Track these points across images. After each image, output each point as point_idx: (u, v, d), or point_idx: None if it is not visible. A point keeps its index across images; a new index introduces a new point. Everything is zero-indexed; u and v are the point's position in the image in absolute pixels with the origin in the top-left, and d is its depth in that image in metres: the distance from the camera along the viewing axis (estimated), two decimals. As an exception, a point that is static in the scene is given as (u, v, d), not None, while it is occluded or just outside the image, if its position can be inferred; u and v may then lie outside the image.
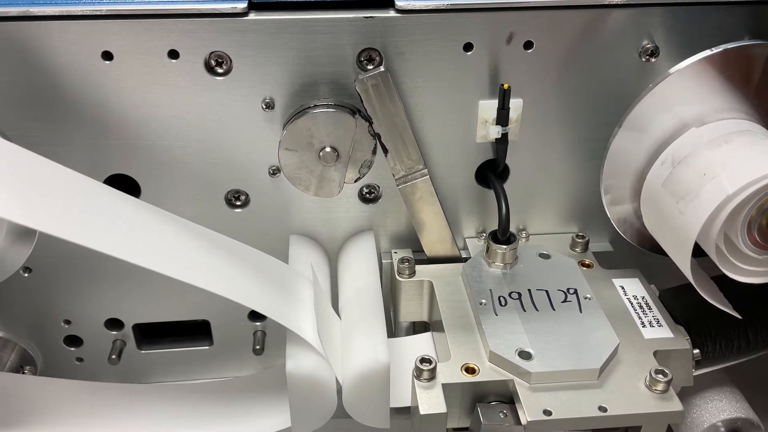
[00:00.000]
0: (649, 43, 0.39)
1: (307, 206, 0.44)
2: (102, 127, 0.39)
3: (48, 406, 0.42)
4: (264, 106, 0.39)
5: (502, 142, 0.41)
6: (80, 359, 0.49)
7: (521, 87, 0.40)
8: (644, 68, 0.40)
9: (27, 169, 0.32)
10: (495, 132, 0.41)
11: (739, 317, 0.38)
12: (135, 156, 0.41)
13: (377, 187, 0.44)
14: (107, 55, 0.37)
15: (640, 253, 0.44)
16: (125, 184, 0.41)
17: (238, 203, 0.43)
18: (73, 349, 0.48)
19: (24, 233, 0.39)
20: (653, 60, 0.40)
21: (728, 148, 0.35)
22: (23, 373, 0.46)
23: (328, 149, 0.40)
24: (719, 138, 0.36)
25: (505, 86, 0.39)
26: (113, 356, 0.47)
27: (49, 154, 0.33)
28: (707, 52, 0.38)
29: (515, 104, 0.40)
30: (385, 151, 0.40)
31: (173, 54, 0.38)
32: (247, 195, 0.43)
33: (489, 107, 0.40)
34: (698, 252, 0.36)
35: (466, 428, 0.36)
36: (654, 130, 0.39)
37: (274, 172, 0.42)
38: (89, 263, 0.44)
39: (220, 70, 0.38)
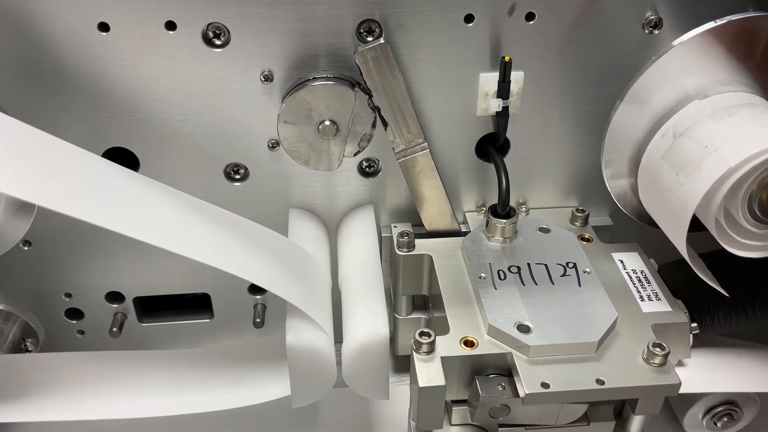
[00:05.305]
0: (652, 15, 0.39)
1: (306, 180, 0.44)
2: (100, 99, 0.39)
3: (48, 379, 0.42)
4: (263, 79, 0.39)
5: (502, 116, 0.40)
6: (81, 332, 0.49)
7: (523, 59, 0.40)
8: (647, 40, 0.39)
9: (24, 143, 0.32)
10: (496, 105, 0.40)
11: (727, 294, 0.38)
12: (133, 129, 0.41)
13: (377, 161, 0.44)
14: (104, 27, 0.37)
15: (639, 227, 0.44)
16: (124, 157, 0.41)
17: (238, 177, 0.43)
18: (74, 322, 0.48)
19: (23, 207, 0.39)
20: (656, 32, 0.39)
21: (731, 120, 0.35)
22: (25, 345, 0.47)
23: (327, 122, 0.39)
24: (722, 110, 0.36)
25: (507, 58, 0.38)
26: (114, 329, 0.48)
27: (46, 127, 0.33)
28: (711, 24, 0.37)
29: (516, 77, 0.40)
30: (385, 124, 0.40)
31: (170, 25, 0.37)
32: (246, 168, 0.43)
33: (490, 80, 0.40)
34: (690, 227, 0.36)
35: (465, 400, 0.37)
36: (656, 102, 0.39)
37: (273, 145, 0.42)
38: (89, 236, 0.44)
39: (218, 42, 0.38)
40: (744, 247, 0.36)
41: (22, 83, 0.38)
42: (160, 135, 0.41)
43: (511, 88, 0.40)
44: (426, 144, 0.41)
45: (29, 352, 0.47)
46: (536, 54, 0.40)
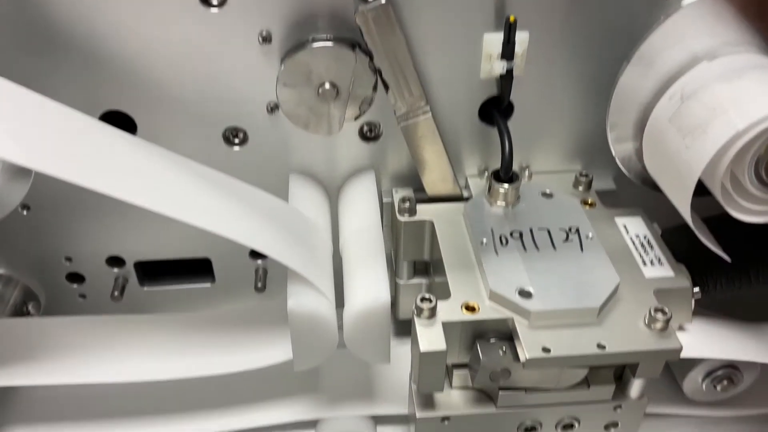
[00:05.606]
0: (662, -27, 0.38)
1: (306, 144, 0.43)
2: (94, 60, 0.38)
3: (50, 343, 0.43)
4: (261, 40, 0.38)
5: (507, 78, 0.40)
6: (83, 296, 0.49)
7: (528, 19, 0.38)
8: (656, 0, 0.38)
9: (20, 106, 0.32)
10: (500, 67, 0.39)
11: (729, 260, 0.37)
12: (130, 91, 0.40)
13: (378, 125, 0.43)
14: (97, -15, 0.36)
15: (643, 191, 0.44)
16: (121, 120, 0.41)
17: (237, 141, 0.43)
18: (75, 286, 0.49)
19: (20, 171, 0.38)
20: (666, -9, 0.38)
21: (740, 83, 0.34)
22: (26, 309, 0.47)
23: (327, 85, 0.39)
24: (731, 73, 0.35)
25: (512, 18, 0.37)
26: (116, 293, 0.48)
27: (41, 89, 0.32)
28: (723, -16, 0.36)
29: (521, 38, 0.39)
30: (386, 87, 0.39)
31: (165, -16, 0.36)
32: (245, 132, 0.42)
33: (494, 41, 0.39)
34: (694, 192, 0.36)
35: (466, 364, 0.37)
36: (663, 64, 0.38)
37: (272, 108, 0.41)
38: (88, 201, 0.44)
39: (214, 2, 0.37)
40: (749, 212, 0.36)
41: (16, 45, 0.38)
42: (156, 97, 0.40)
43: (516, 49, 0.39)
44: (428, 107, 0.40)
45: (31, 316, 0.47)
46: (542, 14, 0.39)
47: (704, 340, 0.40)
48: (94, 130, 0.34)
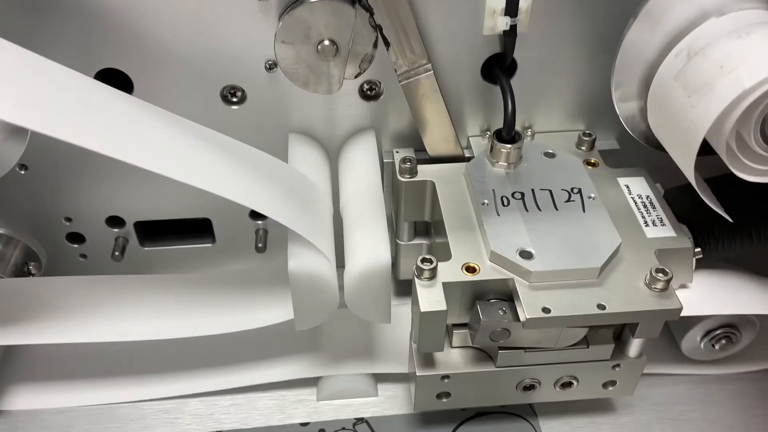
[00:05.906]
0: (672, -75, 0.36)
1: (305, 103, 0.43)
2: (89, 17, 0.38)
3: (51, 302, 0.43)
4: (258, -5, 0.37)
5: (510, 35, 0.39)
6: (84, 256, 0.49)
7: (532, -26, 0.38)
8: (665, -47, 0.37)
9: (13, 64, 0.31)
10: (503, 23, 0.38)
11: (731, 220, 0.37)
12: (125, 49, 0.39)
13: (378, 84, 0.42)
14: (88, -62, 0.35)
15: (646, 151, 0.43)
16: (117, 79, 0.40)
17: (235, 99, 0.42)
18: (75, 246, 0.49)
19: (16, 130, 0.38)
20: (675, -57, 0.37)
21: (749, 40, 0.33)
22: (27, 269, 0.47)
23: (326, 42, 0.38)
24: (740, 29, 0.34)
25: (515, -27, 0.36)
26: (116, 253, 0.48)
27: (35, 47, 0.32)
28: (734, -65, 0.35)
29: (525, -7, 0.38)
30: (387, 44, 0.38)
31: (159, -64, 0.35)
32: (244, 91, 0.42)
33: (497, -4, 0.38)
34: (698, 151, 0.35)
35: (466, 324, 0.37)
36: (671, 20, 0.37)
37: (271, 66, 0.40)
38: (86, 160, 0.44)
39: (210, -45, 0.36)
40: (753, 171, 0.35)
41: (9, 1, 0.37)
42: (153, 55, 0.39)
43: (520, 4, 0.38)
44: (430, 65, 0.40)
45: (32, 275, 0.47)
46: (547, -32, 0.38)
47: (704, 298, 0.40)
48: (90, 88, 0.33)
